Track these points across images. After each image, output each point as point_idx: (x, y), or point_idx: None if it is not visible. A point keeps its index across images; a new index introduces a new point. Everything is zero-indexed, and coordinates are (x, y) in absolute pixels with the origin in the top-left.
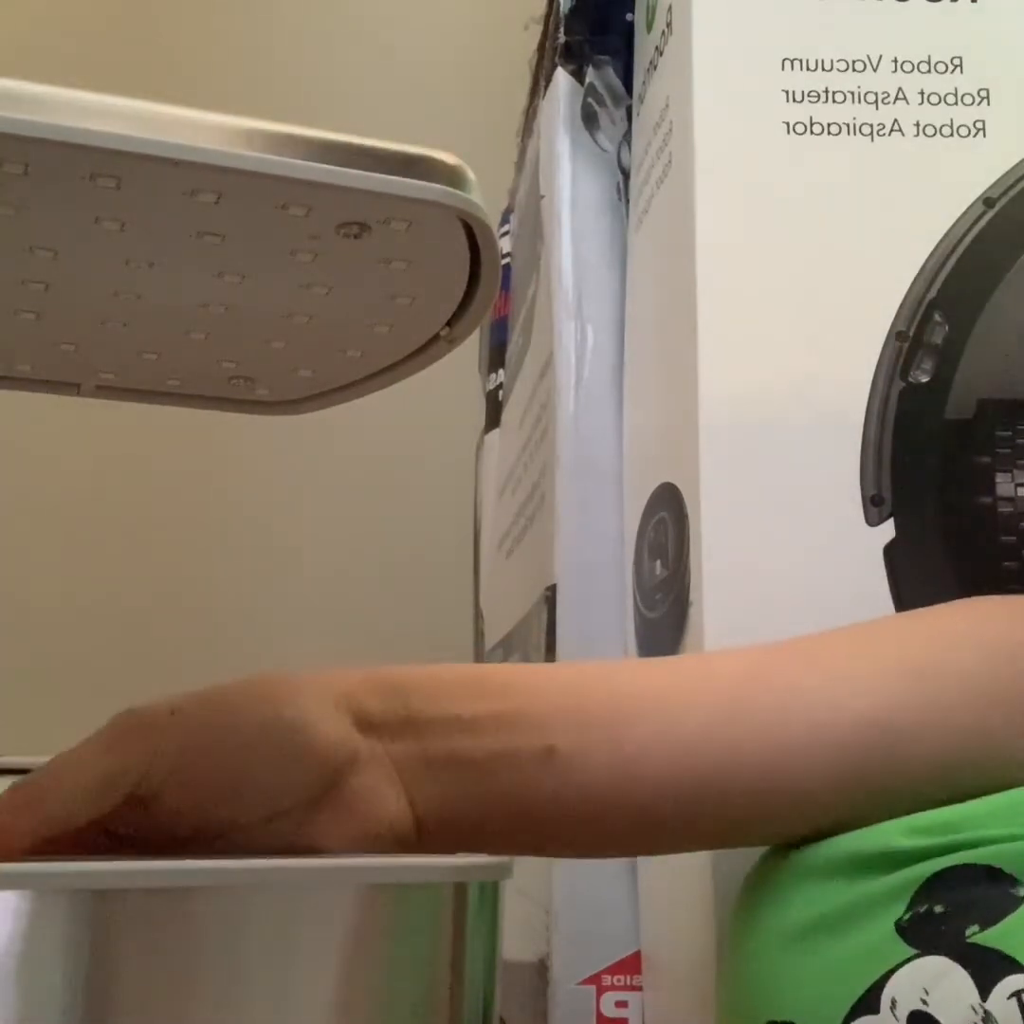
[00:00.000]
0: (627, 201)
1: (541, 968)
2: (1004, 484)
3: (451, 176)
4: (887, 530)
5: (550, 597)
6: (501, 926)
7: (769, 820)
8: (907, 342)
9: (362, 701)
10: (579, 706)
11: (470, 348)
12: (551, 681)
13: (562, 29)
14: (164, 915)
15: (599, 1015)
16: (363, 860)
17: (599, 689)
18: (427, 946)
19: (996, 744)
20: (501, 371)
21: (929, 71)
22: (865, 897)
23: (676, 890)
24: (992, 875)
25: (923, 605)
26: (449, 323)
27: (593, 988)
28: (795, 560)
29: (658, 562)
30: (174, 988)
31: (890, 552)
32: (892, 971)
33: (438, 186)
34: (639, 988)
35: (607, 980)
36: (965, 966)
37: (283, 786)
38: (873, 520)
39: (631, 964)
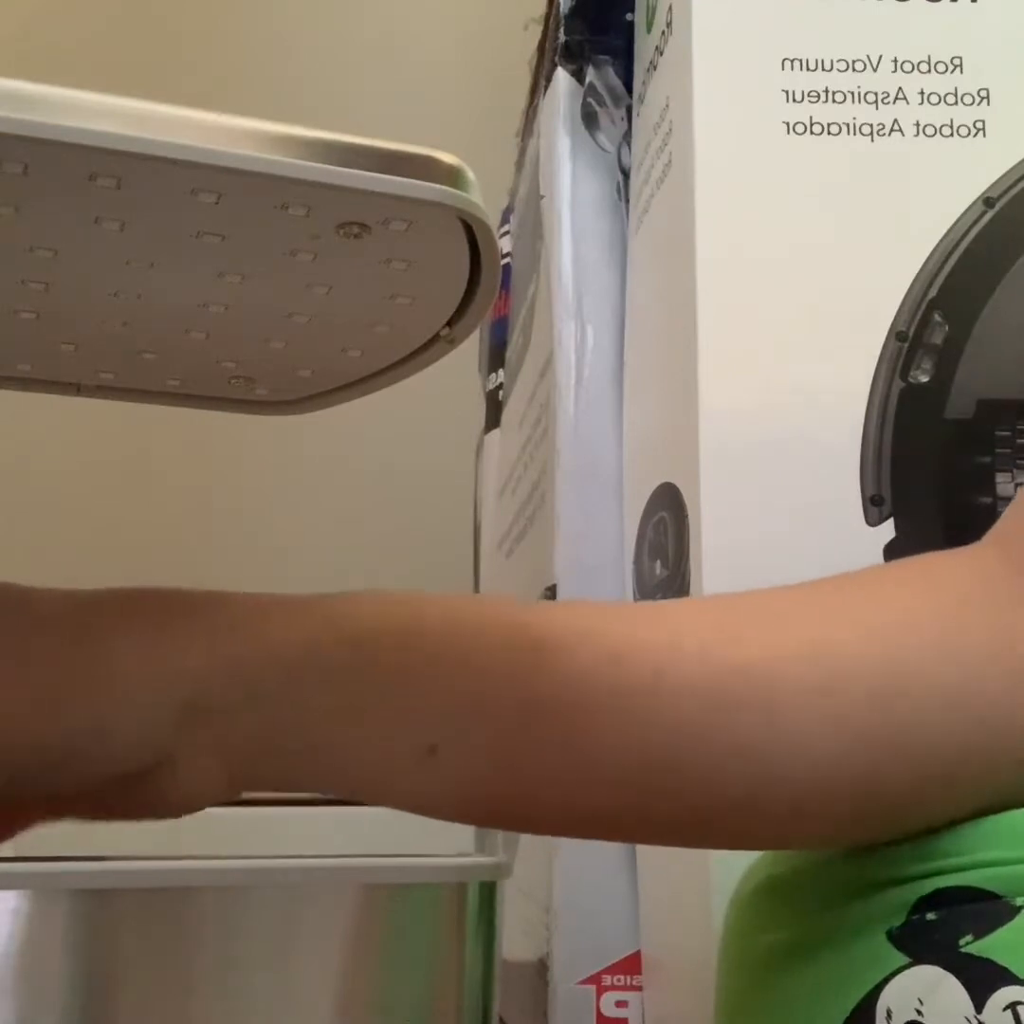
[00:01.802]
0: (627, 201)
1: (541, 968)
2: (1004, 484)
3: (451, 176)
4: (887, 530)
5: (550, 597)
6: (501, 926)
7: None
8: (907, 342)
9: (203, 693)
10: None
11: (470, 348)
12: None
13: (562, 29)
14: (164, 915)
15: (599, 1015)
16: (363, 860)
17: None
18: (427, 946)
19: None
20: (501, 371)
21: (929, 71)
22: (859, 915)
23: (676, 890)
24: (985, 896)
25: None
26: (449, 323)
27: (593, 988)
28: (795, 560)
29: (658, 562)
30: (174, 988)
31: (890, 552)
32: (886, 980)
33: (438, 186)
34: (639, 988)
35: (607, 980)
36: (958, 976)
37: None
38: (873, 520)
39: (631, 964)
